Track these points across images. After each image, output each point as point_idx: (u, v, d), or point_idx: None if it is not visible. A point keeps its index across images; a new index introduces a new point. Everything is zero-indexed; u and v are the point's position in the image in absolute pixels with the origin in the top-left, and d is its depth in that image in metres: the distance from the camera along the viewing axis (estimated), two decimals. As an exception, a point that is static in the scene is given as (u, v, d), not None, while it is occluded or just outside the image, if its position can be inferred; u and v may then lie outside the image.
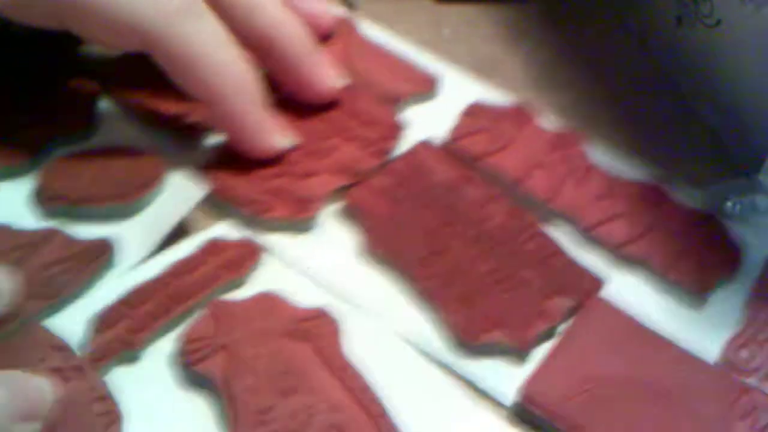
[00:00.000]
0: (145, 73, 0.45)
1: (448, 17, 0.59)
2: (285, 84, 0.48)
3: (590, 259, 0.45)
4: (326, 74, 0.48)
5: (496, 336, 0.41)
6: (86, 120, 0.46)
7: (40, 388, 0.36)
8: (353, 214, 0.45)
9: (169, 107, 0.48)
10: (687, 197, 0.48)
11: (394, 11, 0.58)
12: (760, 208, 0.49)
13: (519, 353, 0.41)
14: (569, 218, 0.46)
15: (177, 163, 0.45)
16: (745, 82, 0.50)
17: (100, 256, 0.41)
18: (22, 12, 0.43)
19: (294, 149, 0.47)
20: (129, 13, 0.42)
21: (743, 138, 0.51)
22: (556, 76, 0.56)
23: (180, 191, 0.44)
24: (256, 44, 0.47)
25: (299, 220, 0.44)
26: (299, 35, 0.47)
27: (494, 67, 0.56)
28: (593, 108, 0.54)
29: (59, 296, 0.40)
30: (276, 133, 0.46)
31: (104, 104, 0.48)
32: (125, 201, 0.43)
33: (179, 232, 0.43)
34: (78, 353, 0.38)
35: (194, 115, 0.47)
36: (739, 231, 0.47)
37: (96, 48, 0.50)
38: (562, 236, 0.46)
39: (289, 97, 0.49)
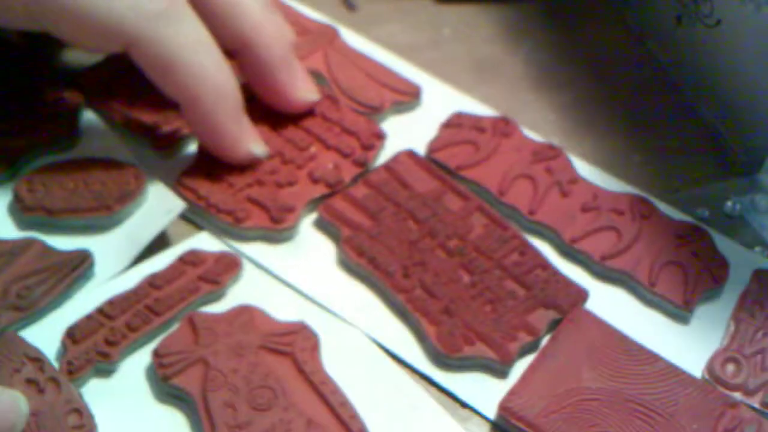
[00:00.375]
0: (126, 82, 0.45)
1: (448, 17, 0.58)
2: (259, 90, 0.47)
3: (574, 272, 0.44)
4: (300, 85, 0.47)
5: (479, 349, 0.40)
6: (69, 130, 0.46)
7: (13, 401, 0.36)
8: (331, 224, 0.44)
9: (149, 116, 0.47)
10: (673, 209, 0.47)
11: (394, 11, 0.58)
12: (760, 208, 0.48)
13: (501, 366, 0.40)
14: (553, 230, 0.45)
15: (158, 174, 0.45)
16: (745, 82, 0.49)
17: (77, 267, 0.41)
18: (1, 14, 0.43)
19: (272, 157, 0.46)
20: (109, 14, 0.41)
21: (743, 138, 0.50)
22: (556, 76, 0.55)
23: (160, 203, 0.44)
24: (235, 44, 0.46)
25: (277, 230, 0.44)
26: (279, 40, 0.46)
27: (494, 67, 0.55)
28: (593, 108, 0.54)
29: (35, 308, 0.40)
30: (253, 141, 0.45)
31: (87, 115, 0.47)
32: (105, 213, 0.43)
33: (159, 242, 0.43)
34: (54, 364, 0.38)
35: (175, 123, 0.47)
36: (726, 243, 0.46)
37: (77, 54, 0.49)
38: (545, 248, 0.45)
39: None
